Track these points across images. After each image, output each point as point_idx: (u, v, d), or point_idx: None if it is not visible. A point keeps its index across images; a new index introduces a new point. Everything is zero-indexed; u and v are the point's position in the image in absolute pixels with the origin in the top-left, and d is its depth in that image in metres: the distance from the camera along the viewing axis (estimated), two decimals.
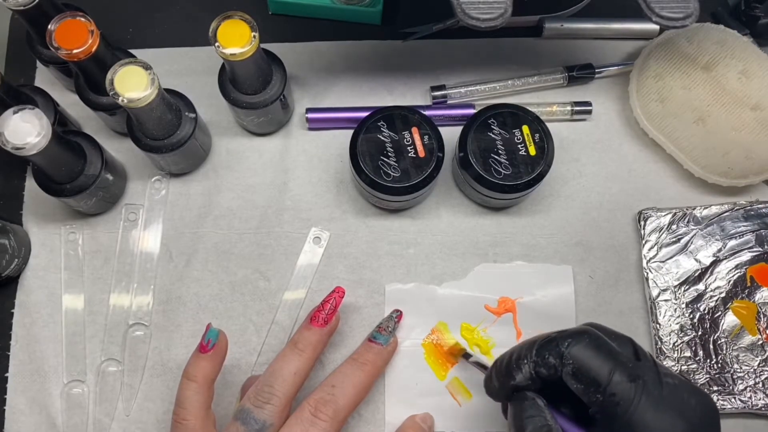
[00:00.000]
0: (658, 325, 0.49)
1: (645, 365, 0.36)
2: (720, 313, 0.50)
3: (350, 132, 0.49)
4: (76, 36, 0.43)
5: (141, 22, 0.57)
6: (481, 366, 0.45)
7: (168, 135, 0.48)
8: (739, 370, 0.48)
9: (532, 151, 0.48)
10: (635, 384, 0.34)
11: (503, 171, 0.48)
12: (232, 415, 0.42)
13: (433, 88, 0.55)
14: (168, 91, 0.48)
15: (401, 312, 0.49)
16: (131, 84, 0.42)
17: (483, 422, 0.48)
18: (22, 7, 0.43)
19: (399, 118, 0.49)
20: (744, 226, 0.51)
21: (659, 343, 0.49)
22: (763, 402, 0.48)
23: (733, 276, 0.50)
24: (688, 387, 0.36)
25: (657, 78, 0.52)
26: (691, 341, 0.49)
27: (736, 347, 0.49)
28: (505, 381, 0.38)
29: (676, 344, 0.49)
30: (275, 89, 0.49)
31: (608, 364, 0.35)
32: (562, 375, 0.36)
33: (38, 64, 0.55)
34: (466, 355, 0.48)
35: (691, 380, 0.35)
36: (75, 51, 0.43)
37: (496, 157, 0.48)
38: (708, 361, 0.49)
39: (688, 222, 0.51)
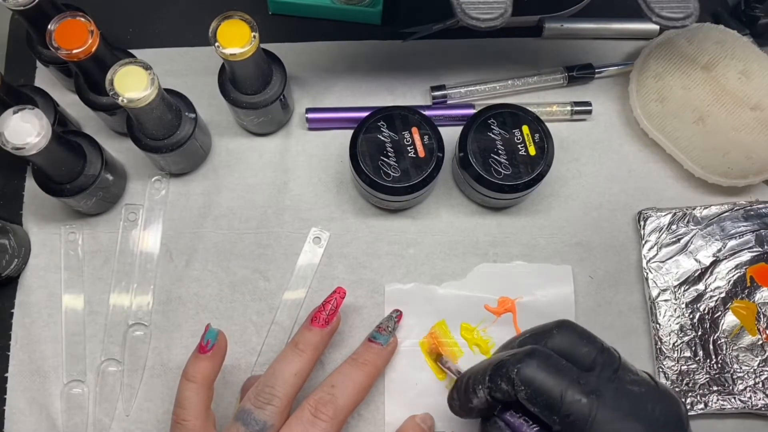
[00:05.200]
0: (658, 325, 0.49)
1: (603, 375, 0.35)
2: (720, 313, 0.50)
3: (350, 132, 0.49)
4: (76, 36, 0.43)
5: (141, 22, 0.57)
6: (455, 372, 0.46)
7: (168, 135, 0.48)
8: (739, 370, 0.48)
9: (532, 151, 0.48)
10: (589, 400, 0.34)
11: (503, 171, 0.48)
12: (232, 415, 0.42)
13: (433, 88, 0.55)
14: (168, 91, 0.48)
15: (401, 312, 0.49)
16: (131, 84, 0.42)
17: None
18: (22, 7, 0.43)
19: (399, 118, 0.49)
20: (744, 226, 0.51)
21: (659, 343, 0.49)
22: (763, 402, 0.48)
23: (732, 276, 0.50)
24: (654, 395, 0.36)
25: (657, 78, 0.52)
26: (691, 341, 0.49)
27: (735, 347, 0.49)
28: (464, 403, 0.39)
29: (676, 344, 0.49)
30: (275, 89, 0.49)
31: (559, 384, 0.35)
32: (519, 398, 0.36)
33: (38, 64, 0.55)
34: (442, 360, 0.48)
35: (661, 385, 0.35)
36: (75, 51, 0.43)
37: (496, 157, 0.48)
38: (708, 361, 0.49)
39: (688, 222, 0.51)
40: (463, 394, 0.39)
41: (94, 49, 0.43)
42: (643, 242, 0.51)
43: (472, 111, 0.54)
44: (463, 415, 0.40)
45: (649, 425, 0.34)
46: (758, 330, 0.49)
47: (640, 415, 0.34)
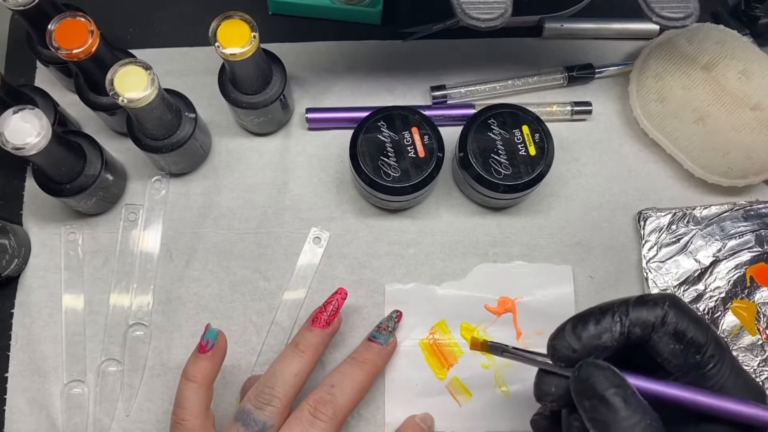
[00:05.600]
0: None
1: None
2: (720, 313, 0.50)
3: (350, 132, 0.49)
4: (76, 36, 0.43)
5: (141, 22, 0.57)
6: (519, 351, 0.37)
7: (168, 135, 0.48)
8: None
9: (532, 151, 0.48)
10: (725, 350, 0.34)
11: (503, 171, 0.48)
12: (232, 415, 0.42)
13: (433, 88, 0.55)
14: (168, 91, 0.48)
15: (401, 312, 0.49)
16: (131, 84, 0.42)
17: (483, 422, 0.48)
18: (22, 7, 0.43)
19: (399, 118, 0.49)
20: (744, 226, 0.51)
21: None
22: None
23: (732, 276, 0.50)
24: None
25: (657, 78, 0.52)
26: None
27: (735, 347, 0.49)
28: (588, 339, 0.35)
29: None
30: (275, 89, 0.49)
31: (704, 325, 0.34)
32: (656, 336, 0.34)
33: (38, 64, 0.55)
34: (498, 347, 0.38)
35: None
36: (75, 51, 0.43)
37: (496, 157, 0.48)
38: None
39: (687, 222, 0.51)
40: (592, 328, 0.35)
41: (94, 49, 0.43)
42: (643, 242, 0.51)
43: (472, 111, 0.54)
44: (572, 358, 0.35)
45: (758, 386, 0.35)
46: (758, 330, 0.49)
47: (750, 376, 0.35)
